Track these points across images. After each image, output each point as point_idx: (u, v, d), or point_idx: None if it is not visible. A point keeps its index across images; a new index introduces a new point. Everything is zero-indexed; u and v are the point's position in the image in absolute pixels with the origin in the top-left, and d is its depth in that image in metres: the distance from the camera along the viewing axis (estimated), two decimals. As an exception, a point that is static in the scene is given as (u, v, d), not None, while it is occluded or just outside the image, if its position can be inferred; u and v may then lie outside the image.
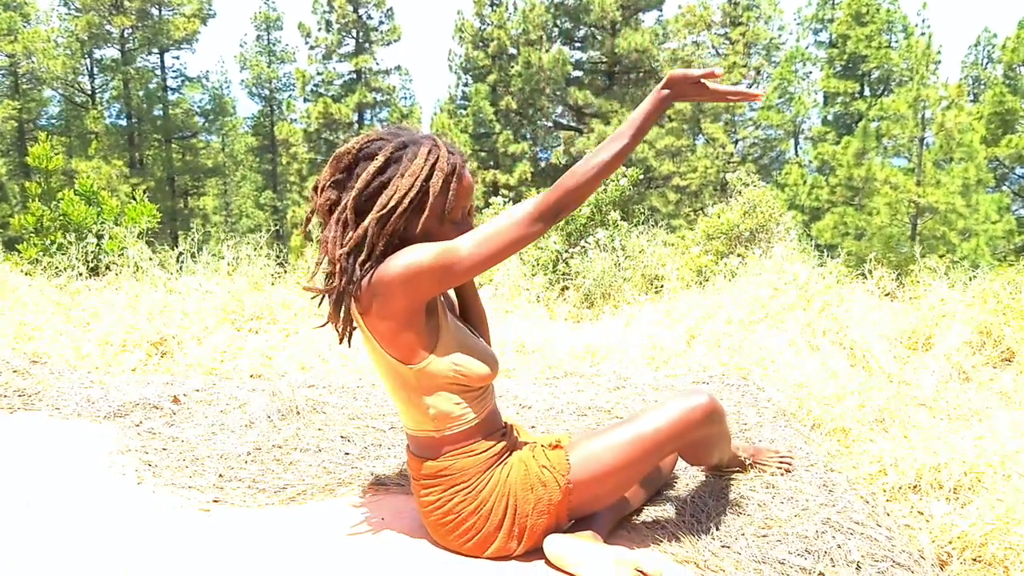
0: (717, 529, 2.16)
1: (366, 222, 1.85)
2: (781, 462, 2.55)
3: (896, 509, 2.44)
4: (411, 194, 1.86)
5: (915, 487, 2.54)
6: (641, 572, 1.85)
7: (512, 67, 29.51)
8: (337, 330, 1.99)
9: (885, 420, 3.09)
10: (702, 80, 1.89)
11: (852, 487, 2.47)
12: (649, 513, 2.29)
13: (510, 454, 2.03)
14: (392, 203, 1.85)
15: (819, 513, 2.23)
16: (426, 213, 1.88)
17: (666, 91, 1.90)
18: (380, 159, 1.90)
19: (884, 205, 21.91)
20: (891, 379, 3.62)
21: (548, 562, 1.96)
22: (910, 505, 2.47)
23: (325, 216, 1.94)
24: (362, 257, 1.85)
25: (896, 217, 22.14)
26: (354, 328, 1.97)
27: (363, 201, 1.89)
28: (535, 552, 2.00)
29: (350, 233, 1.87)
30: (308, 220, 2.03)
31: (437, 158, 1.91)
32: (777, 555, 2.02)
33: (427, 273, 1.80)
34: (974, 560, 2.16)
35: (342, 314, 1.92)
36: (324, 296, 1.97)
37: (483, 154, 30.17)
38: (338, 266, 1.86)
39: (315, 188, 1.98)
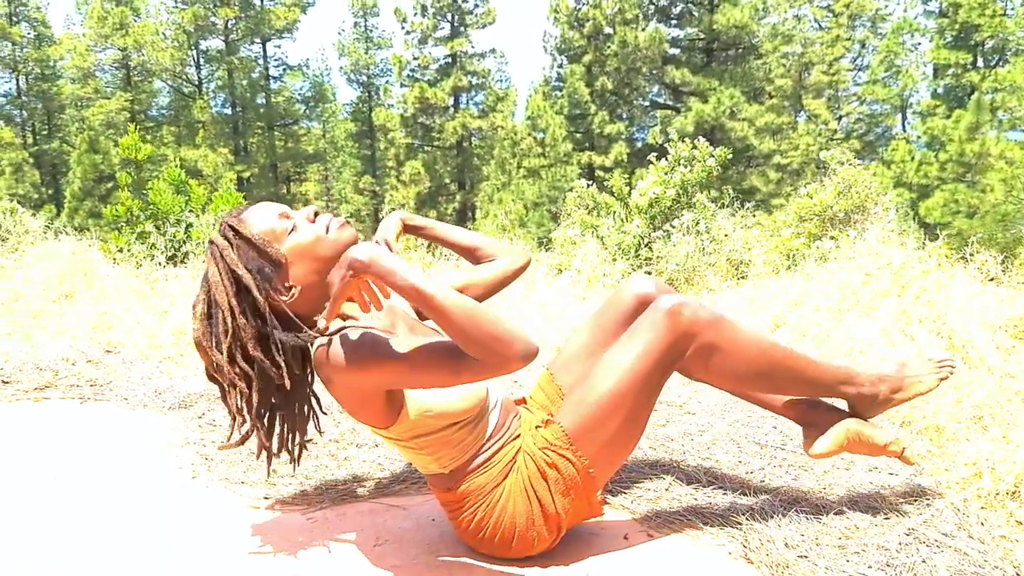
0: (791, 536, 2.00)
1: (243, 340, 1.70)
2: (941, 366, 2.17)
3: (991, 518, 2.23)
4: (240, 272, 1.68)
5: (1014, 493, 2.32)
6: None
7: (608, 47, 29.14)
8: (281, 453, 1.93)
9: (984, 417, 2.84)
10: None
11: (941, 493, 2.27)
12: (716, 518, 2.14)
13: (519, 451, 1.92)
14: (227, 303, 1.68)
15: (903, 523, 2.04)
16: (273, 269, 1.72)
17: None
18: (202, 306, 1.73)
19: (998, 181, 20.95)
20: (992, 371, 3.34)
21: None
22: (1008, 513, 2.25)
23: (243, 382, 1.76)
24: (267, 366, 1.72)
25: (1011, 194, 21.13)
26: (306, 444, 1.95)
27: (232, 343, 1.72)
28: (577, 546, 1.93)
29: (249, 373, 1.72)
30: (236, 418, 1.85)
31: (216, 240, 1.73)
32: (854, 568, 1.85)
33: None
34: (1078, 581, 1.94)
35: (286, 437, 1.90)
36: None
37: (578, 136, 29.93)
38: (254, 417, 1.77)
39: (211, 378, 1.83)
